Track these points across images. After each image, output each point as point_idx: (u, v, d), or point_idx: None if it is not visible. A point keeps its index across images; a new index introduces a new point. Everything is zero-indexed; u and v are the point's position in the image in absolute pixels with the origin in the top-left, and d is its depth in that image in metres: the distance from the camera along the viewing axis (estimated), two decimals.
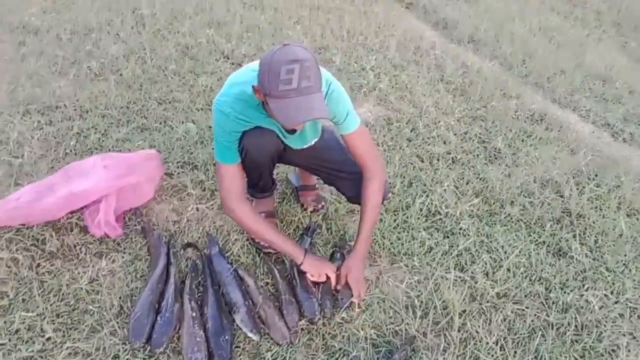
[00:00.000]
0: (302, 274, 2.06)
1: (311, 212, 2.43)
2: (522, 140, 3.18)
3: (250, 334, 1.85)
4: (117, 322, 1.84)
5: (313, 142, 2.06)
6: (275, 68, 1.56)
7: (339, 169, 2.12)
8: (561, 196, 2.75)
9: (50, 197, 2.09)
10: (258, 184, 2.18)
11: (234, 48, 3.68)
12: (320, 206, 2.44)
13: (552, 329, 2.04)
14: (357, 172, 2.04)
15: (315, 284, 2.06)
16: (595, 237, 2.52)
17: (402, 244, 2.32)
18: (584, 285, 2.25)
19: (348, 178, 2.11)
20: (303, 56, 1.57)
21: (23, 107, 2.81)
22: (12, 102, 2.83)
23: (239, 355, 1.81)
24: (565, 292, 2.20)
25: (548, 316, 2.08)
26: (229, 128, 1.84)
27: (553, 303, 2.15)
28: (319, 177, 2.29)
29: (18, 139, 2.57)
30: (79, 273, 1.99)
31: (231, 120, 1.82)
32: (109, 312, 1.87)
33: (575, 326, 2.06)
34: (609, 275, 2.32)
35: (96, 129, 2.73)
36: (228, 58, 3.59)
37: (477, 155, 2.99)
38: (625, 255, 2.43)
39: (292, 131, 1.91)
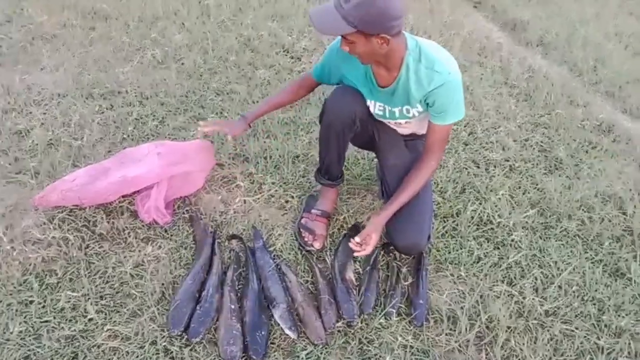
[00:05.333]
0: (343, 274, 2.05)
1: None
2: (586, 152, 3.03)
3: (288, 331, 1.84)
4: (158, 309, 1.87)
5: (402, 122, 2.08)
6: None
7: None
8: (624, 213, 2.59)
9: (103, 181, 2.15)
10: (325, 160, 2.20)
11: (294, 42, 3.68)
12: None
13: (603, 353, 1.93)
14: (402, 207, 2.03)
15: (356, 286, 2.05)
16: None
17: (449, 252, 2.25)
18: None
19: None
20: None
21: (87, 90, 2.91)
22: (77, 85, 2.94)
23: (274, 352, 1.80)
24: (619, 316, 2.07)
25: (599, 339, 1.97)
26: (329, 58, 2.09)
27: (605, 326, 2.03)
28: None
29: (79, 121, 2.66)
30: (125, 257, 2.04)
31: (331, 50, 2.06)
32: (150, 297, 1.91)
33: (629, 353, 1.94)
34: None
35: (154, 115, 2.79)
36: (288, 52, 3.59)
37: (537, 164, 2.87)
38: None
39: (383, 86, 1.97)
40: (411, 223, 2.03)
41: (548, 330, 1.98)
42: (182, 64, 3.29)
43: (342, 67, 2.05)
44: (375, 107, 2.07)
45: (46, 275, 1.94)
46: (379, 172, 2.52)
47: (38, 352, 1.70)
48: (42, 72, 3.05)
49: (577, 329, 2.00)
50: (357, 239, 1.94)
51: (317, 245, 2.17)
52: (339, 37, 1.84)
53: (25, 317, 1.79)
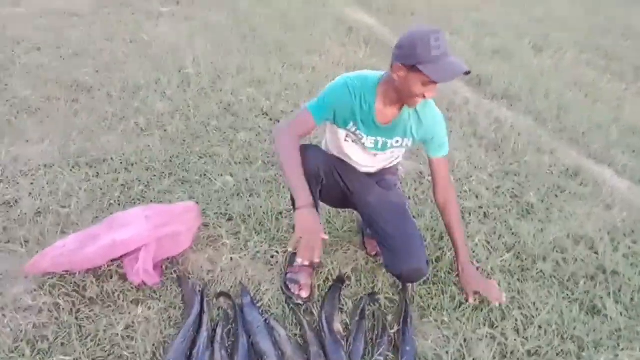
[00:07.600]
0: (331, 325, 2.10)
1: (373, 255, 2.53)
2: (556, 196, 3.18)
3: None
4: None
5: (388, 151, 2.24)
6: (425, 38, 1.80)
7: (384, 227, 2.22)
8: (595, 252, 2.72)
9: (93, 246, 2.20)
10: None
11: (272, 105, 3.84)
12: None
13: None
14: (396, 237, 2.16)
15: (344, 336, 2.09)
16: (631, 295, 2.47)
17: (432, 298, 2.33)
18: (618, 345, 2.20)
19: (387, 244, 2.21)
20: (438, 28, 1.84)
21: (73, 159, 2.99)
22: (63, 155, 3.02)
23: None
24: (598, 352, 2.15)
25: None
26: (336, 95, 2.08)
27: None
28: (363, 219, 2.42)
29: (67, 190, 2.73)
30: (115, 319, 2.08)
31: (342, 87, 2.06)
32: (142, 358, 1.94)
33: None
34: None
35: (140, 180, 2.88)
36: (267, 114, 3.74)
37: (510, 210, 3.00)
38: None
39: (385, 123, 2.12)
40: (408, 250, 2.13)
41: None
42: (165, 130, 3.40)
43: (350, 102, 2.09)
44: (367, 141, 2.19)
45: (38, 340, 1.96)
46: (360, 224, 2.61)
47: None
48: (28, 144, 3.13)
49: None
50: (471, 300, 2.26)
51: (303, 294, 2.23)
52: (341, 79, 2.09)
53: None
